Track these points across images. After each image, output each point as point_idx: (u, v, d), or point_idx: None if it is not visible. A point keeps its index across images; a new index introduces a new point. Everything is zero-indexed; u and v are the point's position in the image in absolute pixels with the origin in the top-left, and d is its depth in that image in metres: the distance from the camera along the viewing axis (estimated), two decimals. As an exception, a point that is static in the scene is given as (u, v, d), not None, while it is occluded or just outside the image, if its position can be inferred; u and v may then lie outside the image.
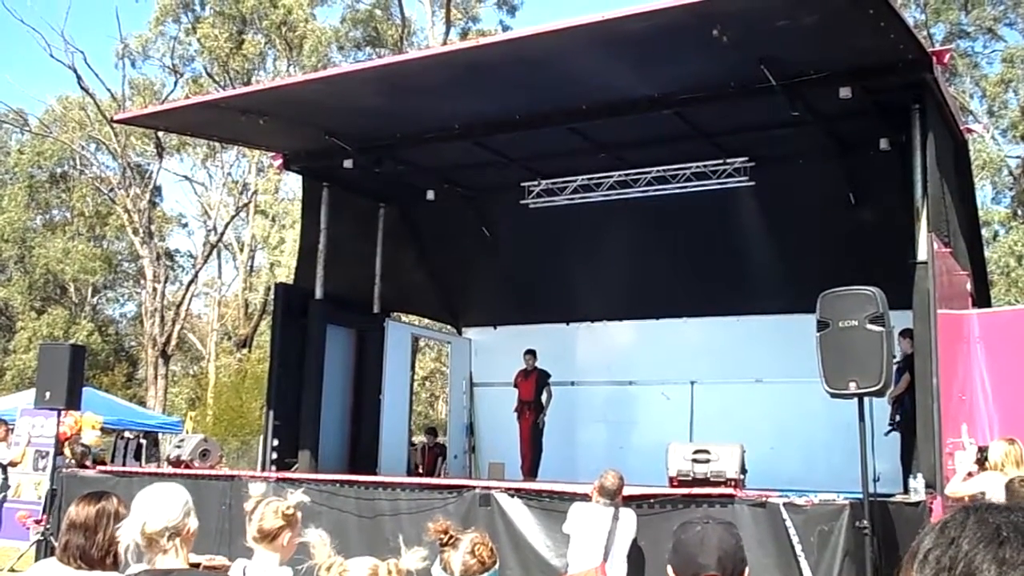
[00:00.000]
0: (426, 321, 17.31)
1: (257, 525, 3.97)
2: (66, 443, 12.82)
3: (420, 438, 17.20)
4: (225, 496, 9.46)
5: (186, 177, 39.66)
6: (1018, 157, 31.16)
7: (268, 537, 3.96)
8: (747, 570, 2.83)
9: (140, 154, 36.70)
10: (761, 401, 12.95)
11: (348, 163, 11.89)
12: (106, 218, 39.26)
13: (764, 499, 7.35)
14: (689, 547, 2.79)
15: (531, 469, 13.40)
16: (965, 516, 1.31)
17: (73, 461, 12.47)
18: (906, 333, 9.24)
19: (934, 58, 8.80)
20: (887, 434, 10.22)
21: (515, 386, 14.09)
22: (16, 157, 39.15)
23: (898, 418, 10.23)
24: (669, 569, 2.83)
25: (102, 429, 15.72)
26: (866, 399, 7.33)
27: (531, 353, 13.94)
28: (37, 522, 11.21)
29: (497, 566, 3.32)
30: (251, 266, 40.59)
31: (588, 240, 13.54)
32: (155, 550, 3.18)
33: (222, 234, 37.64)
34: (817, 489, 7.70)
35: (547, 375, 13.95)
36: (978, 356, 9.49)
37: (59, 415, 11.27)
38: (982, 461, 7.48)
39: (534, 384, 13.88)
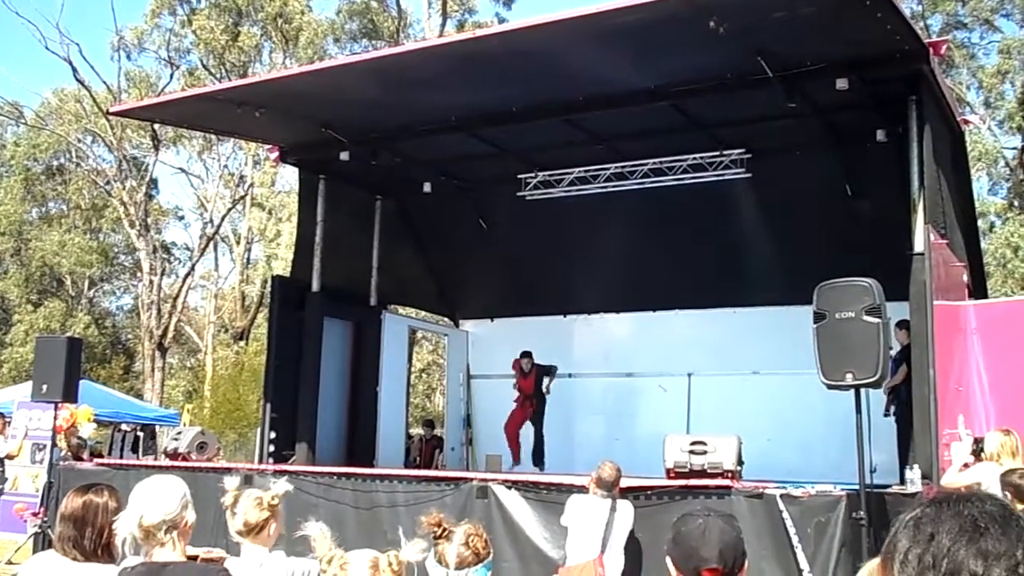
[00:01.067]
0: (423, 314, 17.29)
1: (243, 520, 3.95)
2: (60, 436, 12.81)
3: (418, 430, 17.20)
4: (222, 489, 9.45)
5: (182, 169, 39.64)
6: (1014, 148, 31.15)
7: (255, 530, 3.94)
8: (746, 563, 2.83)
9: (136, 147, 36.61)
10: (758, 393, 12.96)
11: (344, 155, 11.85)
12: (102, 211, 39.20)
13: (761, 490, 7.36)
14: (691, 539, 2.78)
15: (538, 458, 13.36)
16: (938, 509, 1.28)
17: (69, 454, 12.46)
18: (903, 324, 9.24)
19: (931, 49, 8.78)
20: (885, 414, 10.18)
21: (516, 388, 13.96)
22: (12, 150, 39.08)
23: (893, 408, 10.24)
24: (669, 561, 2.82)
25: (96, 421, 15.71)
26: (863, 391, 7.33)
27: (528, 356, 13.86)
28: (34, 515, 11.20)
29: (491, 557, 3.32)
30: (248, 259, 40.56)
31: (585, 232, 13.52)
32: (152, 543, 3.17)
33: (218, 227, 37.58)
34: (814, 480, 7.71)
35: (545, 368, 13.88)
36: (974, 347, 9.50)
37: (55, 408, 11.26)
38: (978, 452, 7.49)
39: (534, 379, 13.80)
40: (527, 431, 13.81)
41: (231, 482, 4.07)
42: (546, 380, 13.81)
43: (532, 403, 13.74)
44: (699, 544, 2.75)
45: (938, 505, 1.29)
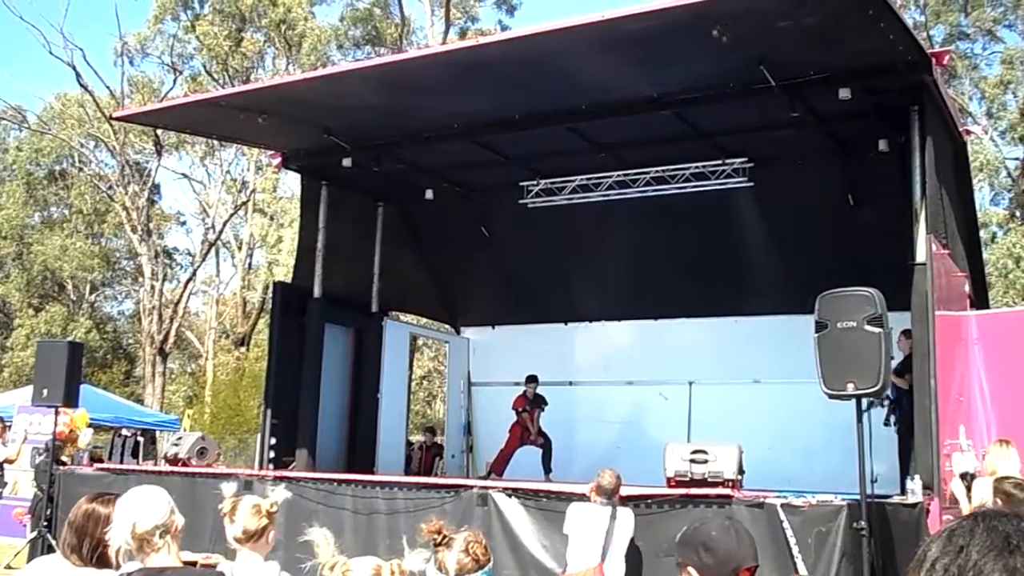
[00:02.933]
0: (424, 320, 17.30)
1: (242, 527, 3.95)
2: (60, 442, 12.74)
3: (418, 437, 17.18)
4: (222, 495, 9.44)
5: (184, 175, 39.70)
6: (1017, 159, 31.17)
7: (253, 537, 3.95)
8: None
9: (139, 152, 36.67)
10: (759, 402, 12.94)
11: (347, 162, 11.87)
12: (104, 215, 39.24)
13: (761, 500, 7.34)
14: (727, 543, 2.83)
15: (547, 465, 13.31)
16: (974, 524, 1.28)
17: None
18: (908, 334, 9.22)
19: (933, 60, 8.80)
20: (885, 424, 10.14)
21: (519, 411, 13.75)
22: (15, 154, 39.13)
23: (894, 418, 10.21)
24: (693, 570, 2.81)
25: (97, 426, 15.68)
26: (864, 400, 7.32)
27: (534, 380, 13.78)
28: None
29: (491, 564, 3.32)
30: (249, 264, 40.60)
31: (587, 240, 13.52)
32: (147, 550, 3.18)
33: (220, 232, 37.61)
34: (815, 490, 7.70)
35: (541, 397, 13.86)
36: (976, 357, 9.49)
37: (56, 412, 11.24)
38: (969, 487, 7.45)
39: (537, 411, 13.74)
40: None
41: (229, 488, 4.08)
42: (538, 413, 13.74)
43: (533, 438, 13.57)
44: (736, 546, 2.81)
45: (975, 519, 1.30)
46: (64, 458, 12.42)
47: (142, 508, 3.21)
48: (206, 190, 39.37)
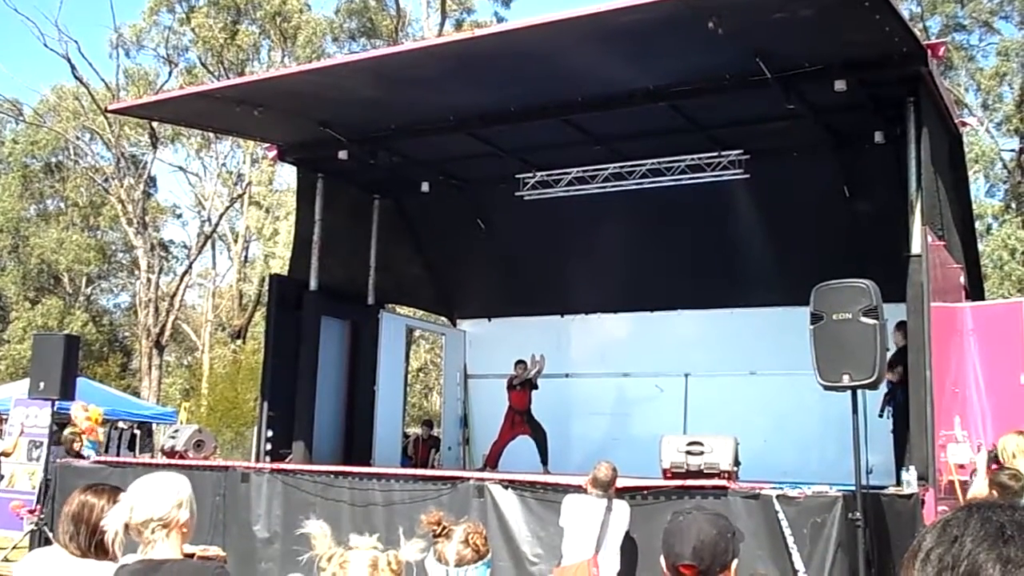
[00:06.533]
0: (420, 313, 17.29)
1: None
2: (86, 436, 12.71)
3: (415, 429, 17.19)
4: (219, 487, 9.46)
5: (180, 168, 39.64)
6: (1012, 150, 31.19)
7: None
8: (735, 563, 2.83)
9: (134, 144, 36.61)
10: (755, 393, 12.96)
11: (343, 154, 11.85)
12: (100, 208, 39.18)
13: (757, 491, 7.36)
14: (670, 536, 2.85)
15: (542, 456, 13.31)
16: (968, 514, 1.29)
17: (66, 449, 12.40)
18: (901, 326, 9.24)
19: (929, 51, 8.80)
20: (880, 415, 10.14)
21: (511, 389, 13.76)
22: (10, 147, 39.05)
23: (889, 410, 10.22)
24: (661, 558, 2.86)
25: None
26: (859, 392, 7.34)
27: (523, 364, 13.81)
28: (31, 512, 11.19)
29: (490, 555, 3.33)
30: (245, 257, 40.54)
31: (583, 232, 13.52)
32: (143, 541, 3.17)
33: (216, 225, 37.57)
34: (810, 481, 7.73)
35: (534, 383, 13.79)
36: (971, 349, 9.51)
37: (53, 405, 11.23)
38: (995, 459, 7.43)
39: (528, 394, 13.72)
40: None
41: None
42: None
43: (523, 421, 13.51)
44: (676, 540, 2.81)
45: (969, 510, 1.31)
46: (82, 452, 12.42)
47: (141, 499, 3.18)
48: (202, 183, 39.35)
